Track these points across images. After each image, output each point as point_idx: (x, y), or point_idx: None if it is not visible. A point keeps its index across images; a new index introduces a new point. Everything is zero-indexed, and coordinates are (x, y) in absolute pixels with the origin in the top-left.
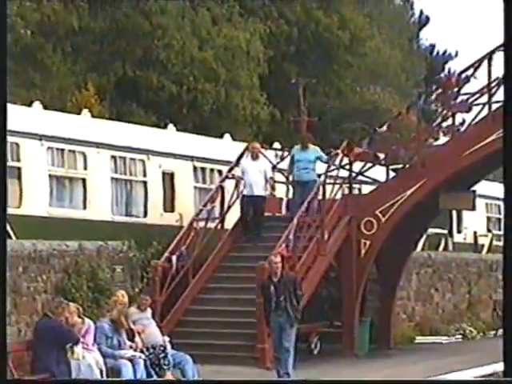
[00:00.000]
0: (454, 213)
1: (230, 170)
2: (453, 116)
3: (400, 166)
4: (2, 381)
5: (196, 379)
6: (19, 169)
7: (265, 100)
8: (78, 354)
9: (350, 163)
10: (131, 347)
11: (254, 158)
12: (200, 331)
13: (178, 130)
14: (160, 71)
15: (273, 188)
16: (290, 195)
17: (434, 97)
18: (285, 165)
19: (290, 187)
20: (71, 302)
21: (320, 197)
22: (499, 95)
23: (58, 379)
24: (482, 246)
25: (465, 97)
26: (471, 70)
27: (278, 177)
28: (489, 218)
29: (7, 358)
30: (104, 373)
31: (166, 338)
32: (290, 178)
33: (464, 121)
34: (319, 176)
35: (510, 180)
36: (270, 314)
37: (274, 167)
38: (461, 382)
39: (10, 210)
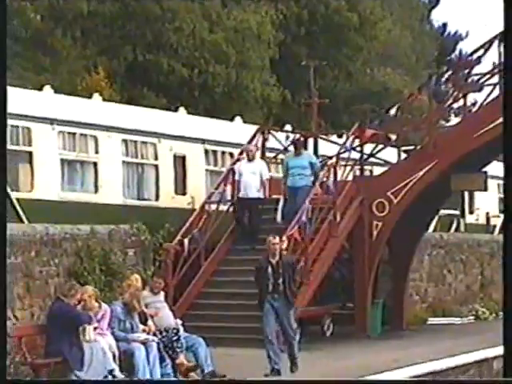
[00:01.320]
0: (466, 194)
1: (241, 153)
2: (464, 97)
3: (411, 147)
4: (2, 381)
5: (199, 379)
6: (30, 153)
7: (275, 82)
8: (90, 336)
9: (362, 145)
10: (144, 330)
11: (249, 159)
12: (213, 314)
13: (188, 112)
14: (170, 54)
15: (265, 189)
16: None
17: (445, 78)
18: None
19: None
20: (84, 286)
21: (331, 179)
22: None
23: (60, 379)
24: (494, 226)
25: (476, 77)
26: (482, 51)
27: None
28: (501, 199)
29: (7, 358)
30: (117, 356)
31: (179, 321)
32: (284, 185)
33: (475, 101)
34: (330, 158)
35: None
36: (265, 295)
37: (285, 149)
38: (460, 381)
39: (22, 194)
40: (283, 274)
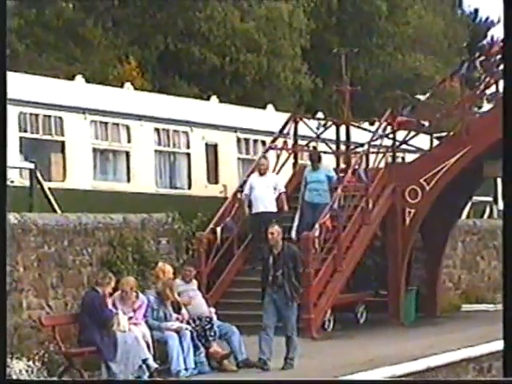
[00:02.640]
0: (499, 180)
1: (273, 141)
2: (496, 83)
3: (444, 133)
4: (2, 381)
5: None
6: (63, 143)
7: (306, 70)
8: (123, 326)
9: (394, 132)
10: (177, 319)
11: (262, 173)
12: (245, 302)
13: (220, 101)
14: (202, 43)
15: (282, 206)
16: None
17: (477, 64)
18: (328, 134)
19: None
20: (116, 275)
21: (363, 166)
22: None
23: (60, 379)
24: None
25: None
26: None
27: (322, 147)
28: None
29: (6, 358)
30: (151, 346)
31: (212, 310)
32: (301, 200)
33: None
34: (361, 145)
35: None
36: (265, 287)
37: (317, 137)
38: (461, 381)
39: (55, 184)
40: (283, 267)
